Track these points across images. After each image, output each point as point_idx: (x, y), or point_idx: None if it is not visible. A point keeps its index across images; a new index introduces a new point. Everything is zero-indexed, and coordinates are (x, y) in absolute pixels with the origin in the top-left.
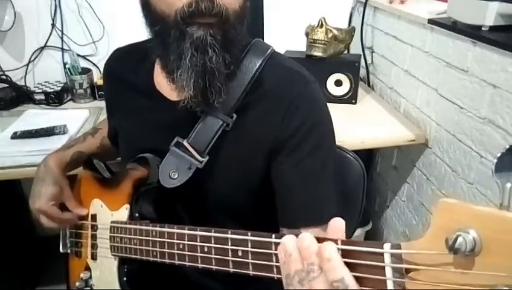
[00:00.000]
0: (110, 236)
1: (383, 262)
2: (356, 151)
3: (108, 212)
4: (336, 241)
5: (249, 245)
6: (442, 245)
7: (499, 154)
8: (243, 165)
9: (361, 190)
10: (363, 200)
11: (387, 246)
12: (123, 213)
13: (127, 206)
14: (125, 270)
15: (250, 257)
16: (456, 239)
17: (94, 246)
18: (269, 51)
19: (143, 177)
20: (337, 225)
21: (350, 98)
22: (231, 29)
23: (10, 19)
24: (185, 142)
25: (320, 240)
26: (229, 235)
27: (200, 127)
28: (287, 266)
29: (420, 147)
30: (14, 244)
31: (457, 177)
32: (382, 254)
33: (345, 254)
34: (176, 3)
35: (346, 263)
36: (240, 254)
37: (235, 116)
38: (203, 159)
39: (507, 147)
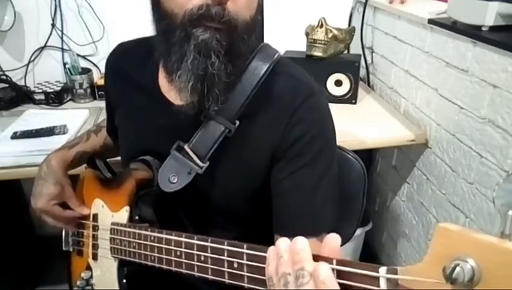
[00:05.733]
0: (110, 238)
1: (378, 286)
2: (356, 151)
3: (109, 213)
4: (330, 260)
5: (245, 258)
6: (439, 273)
7: (500, 181)
8: (244, 171)
9: (361, 190)
10: (364, 200)
11: (383, 270)
12: (123, 215)
13: (127, 208)
14: (125, 272)
15: (245, 270)
16: (454, 269)
17: (95, 246)
18: (276, 56)
19: (144, 180)
20: (332, 242)
21: (350, 98)
22: (238, 40)
23: (10, 19)
24: (185, 147)
25: (314, 258)
26: (225, 247)
27: (201, 132)
28: (274, 267)
29: (420, 147)
30: (14, 244)
31: (457, 177)
32: (378, 278)
33: (339, 274)
34: (186, 4)
35: (340, 284)
36: (235, 265)
37: (237, 122)
38: (204, 165)
39: (509, 173)
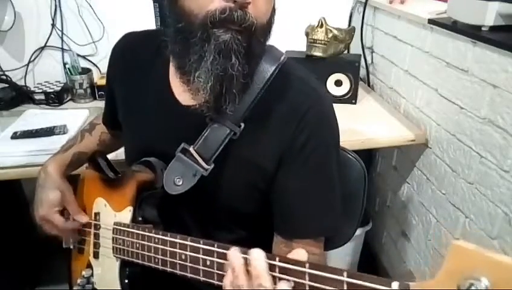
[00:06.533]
0: (113, 237)
1: None
2: (356, 151)
3: (111, 213)
4: (341, 272)
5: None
6: None
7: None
8: (250, 173)
9: (362, 190)
10: (364, 200)
11: (395, 285)
12: (126, 215)
13: (131, 208)
14: (127, 272)
15: None
16: (469, 288)
17: (96, 245)
18: (282, 58)
19: (148, 181)
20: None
21: (350, 98)
22: (256, 42)
23: (10, 19)
24: (191, 149)
25: (321, 269)
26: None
27: (207, 134)
28: (230, 280)
29: (420, 147)
30: (14, 244)
31: (457, 177)
32: None
33: (350, 288)
34: (208, 5)
35: None
36: None
37: (243, 125)
38: (209, 167)
39: None
